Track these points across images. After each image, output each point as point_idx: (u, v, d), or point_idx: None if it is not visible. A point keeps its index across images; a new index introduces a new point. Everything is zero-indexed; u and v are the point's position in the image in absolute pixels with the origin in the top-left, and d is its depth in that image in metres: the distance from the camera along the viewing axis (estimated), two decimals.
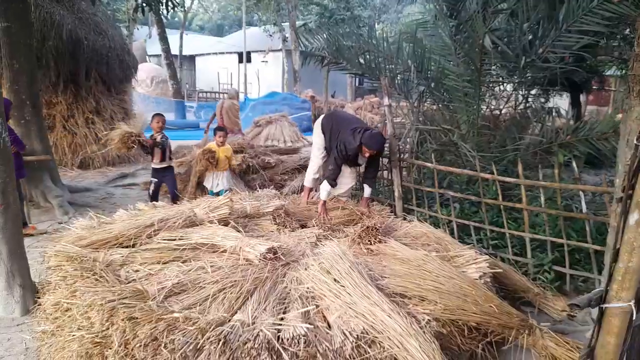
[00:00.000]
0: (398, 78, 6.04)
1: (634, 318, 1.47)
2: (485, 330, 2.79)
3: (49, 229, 5.31)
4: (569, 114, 7.49)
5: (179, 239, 3.50)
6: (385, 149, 5.31)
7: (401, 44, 6.08)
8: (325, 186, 4.48)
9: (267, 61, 31.24)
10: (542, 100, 6.74)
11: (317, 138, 4.98)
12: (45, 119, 7.56)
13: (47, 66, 8.06)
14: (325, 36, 6.29)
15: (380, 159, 5.05)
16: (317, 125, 5.00)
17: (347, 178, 4.95)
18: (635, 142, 1.50)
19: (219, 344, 2.30)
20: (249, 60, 30.93)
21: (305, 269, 3.05)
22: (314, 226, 4.07)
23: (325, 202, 4.45)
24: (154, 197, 5.68)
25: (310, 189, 5.04)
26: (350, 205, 4.65)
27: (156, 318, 2.47)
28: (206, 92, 25.70)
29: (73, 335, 2.72)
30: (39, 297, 3.45)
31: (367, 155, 4.49)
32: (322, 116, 5.10)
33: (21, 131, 5.92)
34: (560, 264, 3.94)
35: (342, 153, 4.48)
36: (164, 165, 5.63)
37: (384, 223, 3.98)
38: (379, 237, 3.54)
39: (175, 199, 5.54)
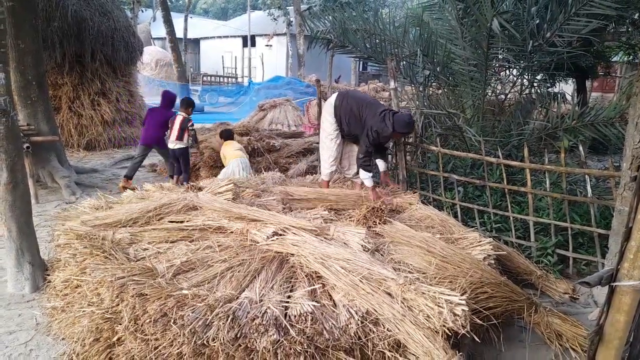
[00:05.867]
0: (403, 62, 6.02)
1: None
2: (494, 311, 2.82)
3: (57, 209, 5.36)
4: (575, 99, 7.45)
5: (187, 221, 3.54)
6: None
7: (407, 28, 6.05)
8: (364, 174, 4.33)
9: (271, 45, 31.04)
10: (548, 85, 6.71)
11: (328, 125, 4.59)
12: (52, 100, 7.56)
13: (52, 47, 8.05)
14: (330, 19, 6.26)
15: (404, 146, 4.96)
16: (329, 109, 4.58)
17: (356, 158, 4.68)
18: None
19: (227, 320, 2.35)
20: (253, 44, 30.76)
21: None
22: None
23: (374, 187, 4.33)
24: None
25: (328, 182, 4.78)
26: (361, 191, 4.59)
27: (165, 295, 2.52)
28: (210, 76, 25.57)
29: (83, 311, 2.78)
30: (48, 275, 3.51)
31: (399, 139, 4.61)
32: (333, 98, 4.65)
33: (28, 112, 5.96)
34: (563, 248, 3.98)
35: (375, 141, 4.29)
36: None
37: (390, 203, 4.00)
38: (384, 218, 3.57)
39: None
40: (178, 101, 6.61)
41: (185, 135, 5.92)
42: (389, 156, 5.57)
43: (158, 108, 6.41)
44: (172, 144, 5.94)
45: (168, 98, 6.46)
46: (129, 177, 6.26)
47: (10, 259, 3.48)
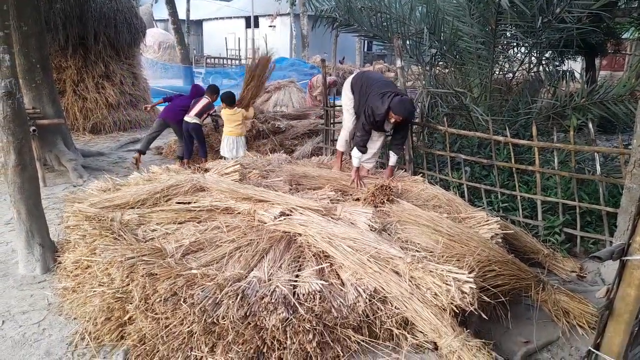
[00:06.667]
0: (409, 41, 5.94)
1: None
2: (501, 289, 2.82)
3: (65, 192, 5.40)
4: (584, 77, 7.36)
5: (195, 202, 3.56)
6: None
7: (414, 5, 5.96)
8: (356, 153, 4.33)
9: (274, 26, 30.71)
10: (557, 63, 6.62)
11: (347, 99, 4.67)
12: (56, 83, 7.55)
13: (55, 29, 7.98)
14: None
15: (410, 126, 4.76)
16: (347, 86, 4.68)
17: (375, 143, 4.58)
18: None
19: (236, 298, 2.37)
20: (256, 25, 30.43)
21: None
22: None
23: (358, 168, 4.32)
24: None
25: (342, 153, 4.80)
26: (370, 176, 4.55)
27: (175, 274, 2.55)
28: (214, 58, 25.38)
29: (94, 291, 2.81)
30: (58, 256, 3.54)
31: (392, 121, 4.15)
32: (351, 76, 4.78)
33: (33, 95, 5.95)
34: (571, 226, 3.96)
35: (370, 119, 4.20)
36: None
37: (397, 184, 3.99)
38: (392, 197, 3.57)
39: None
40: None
41: (204, 115, 6.16)
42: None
43: (186, 95, 6.65)
44: (189, 117, 6.09)
45: (197, 91, 6.59)
46: (142, 152, 6.47)
47: (20, 241, 3.51)
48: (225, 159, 5.69)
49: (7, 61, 3.24)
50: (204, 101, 6.15)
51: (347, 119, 4.73)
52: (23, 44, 5.74)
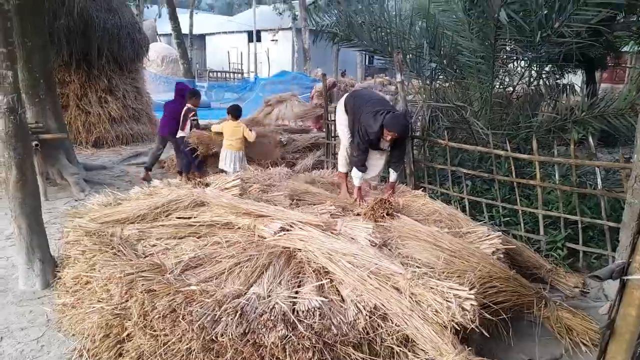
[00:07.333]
0: (410, 55, 5.98)
1: None
2: (503, 306, 2.80)
3: (66, 206, 5.40)
4: (584, 91, 7.38)
5: (195, 217, 3.55)
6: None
7: (414, 20, 6.01)
8: (356, 173, 4.26)
9: (276, 40, 31.00)
10: (556, 77, 6.64)
11: (342, 119, 4.60)
12: (59, 98, 7.59)
13: (59, 45, 8.07)
14: (336, 12, 6.24)
15: (411, 140, 4.73)
16: (340, 106, 4.61)
17: (375, 160, 4.49)
18: None
19: (235, 315, 2.35)
20: (258, 39, 30.73)
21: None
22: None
23: (360, 188, 4.27)
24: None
25: (347, 175, 4.65)
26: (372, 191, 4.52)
27: (174, 290, 2.53)
28: (216, 72, 25.57)
29: (93, 308, 2.80)
30: (58, 271, 3.53)
31: (388, 138, 4.03)
32: (344, 96, 4.69)
33: (36, 109, 5.99)
34: (573, 241, 3.94)
35: (365, 138, 4.13)
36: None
37: (398, 200, 3.98)
38: (391, 211, 3.56)
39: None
40: None
41: (187, 125, 6.07)
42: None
43: (172, 100, 6.64)
44: (179, 132, 6.14)
45: (178, 90, 6.59)
46: (148, 169, 6.59)
47: (21, 256, 3.51)
48: (226, 173, 5.70)
49: (9, 77, 3.26)
50: (184, 110, 6.07)
51: (344, 137, 4.64)
52: (27, 59, 5.79)
